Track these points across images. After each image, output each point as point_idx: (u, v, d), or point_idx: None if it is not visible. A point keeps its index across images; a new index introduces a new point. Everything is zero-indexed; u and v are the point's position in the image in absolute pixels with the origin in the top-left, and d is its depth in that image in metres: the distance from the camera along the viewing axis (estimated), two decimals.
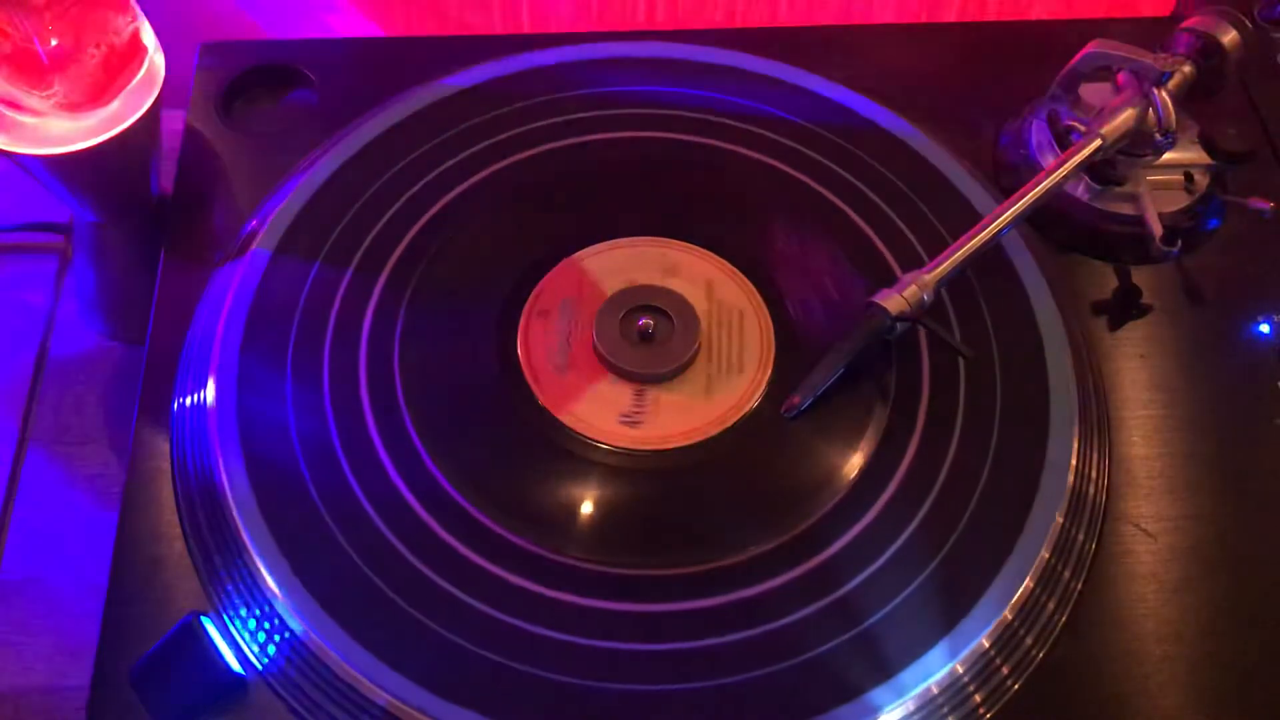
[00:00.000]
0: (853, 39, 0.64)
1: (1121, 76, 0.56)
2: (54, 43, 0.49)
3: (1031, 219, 0.54)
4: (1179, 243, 0.54)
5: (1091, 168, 0.54)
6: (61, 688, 0.51)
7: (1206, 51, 0.54)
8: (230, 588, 0.46)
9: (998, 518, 0.47)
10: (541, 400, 0.50)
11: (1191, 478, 0.50)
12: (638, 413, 0.50)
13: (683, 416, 0.50)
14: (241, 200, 0.57)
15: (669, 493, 0.49)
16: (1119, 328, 0.54)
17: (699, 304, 0.53)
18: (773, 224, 0.56)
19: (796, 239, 0.55)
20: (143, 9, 0.53)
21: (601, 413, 0.50)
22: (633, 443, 0.49)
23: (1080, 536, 0.48)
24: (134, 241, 0.58)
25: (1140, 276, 0.56)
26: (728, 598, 0.45)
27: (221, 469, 0.47)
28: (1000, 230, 0.51)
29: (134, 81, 0.52)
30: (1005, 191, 0.54)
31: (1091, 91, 0.57)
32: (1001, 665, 0.45)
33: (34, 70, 0.50)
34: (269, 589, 0.45)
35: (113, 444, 0.57)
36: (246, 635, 0.45)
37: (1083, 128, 0.54)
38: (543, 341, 0.51)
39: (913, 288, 0.50)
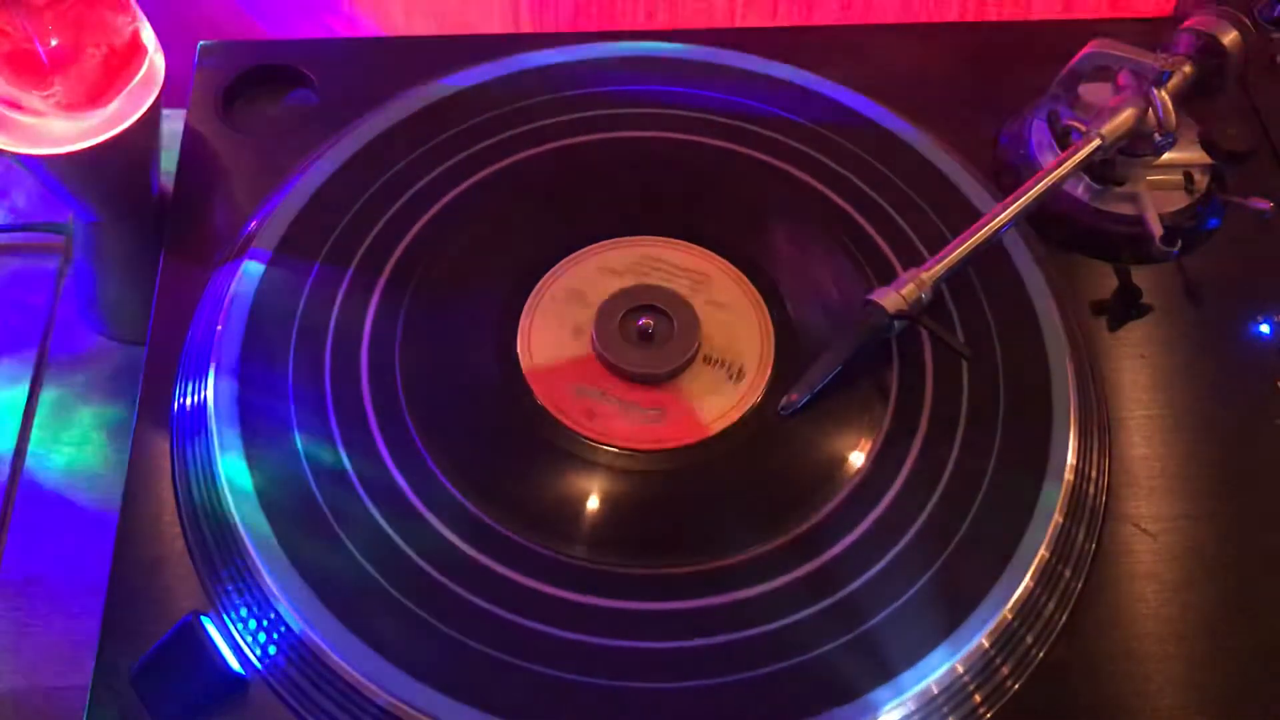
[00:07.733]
0: (853, 39, 0.64)
1: (1121, 76, 0.56)
2: (54, 43, 0.49)
3: (1031, 219, 0.54)
4: (1179, 243, 0.54)
5: (1091, 168, 0.54)
6: (61, 688, 0.51)
7: (1206, 51, 0.54)
8: (230, 587, 0.46)
9: (998, 517, 0.47)
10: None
11: (1191, 478, 0.50)
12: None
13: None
14: (241, 200, 0.57)
15: (669, 493, 0.49)
16: (1119, 328, 0.54)
17: (699, 304, 0.53)
18: (773, 224, 0.56)
19: (797, 238, 0.55)
20: (143, 9, 0.53)
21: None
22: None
23: (1080, 536, 0.48)
24: (134, 241, 0.58)
25: (1140, 276, 0.56)
26: (729, 597, 0.45)
27: (221, 469, 0.47)
28: (999, 229, 0.51)
29: (134, 81, 0.52)
30: (1005, 191, 0.54)
31: (1091, 91, 0.57)
32: (1001, 665, 0.45)
33: (34, 70, 0.50)
34: (269, 589, 0.45)
35: (113, 444, 0.57)
36: (246, 635, 0.45)
37: (1083, 128, 0.54)
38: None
39: (910, 286, 0.50)
